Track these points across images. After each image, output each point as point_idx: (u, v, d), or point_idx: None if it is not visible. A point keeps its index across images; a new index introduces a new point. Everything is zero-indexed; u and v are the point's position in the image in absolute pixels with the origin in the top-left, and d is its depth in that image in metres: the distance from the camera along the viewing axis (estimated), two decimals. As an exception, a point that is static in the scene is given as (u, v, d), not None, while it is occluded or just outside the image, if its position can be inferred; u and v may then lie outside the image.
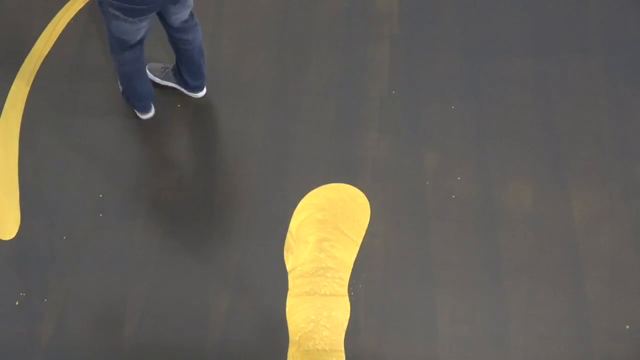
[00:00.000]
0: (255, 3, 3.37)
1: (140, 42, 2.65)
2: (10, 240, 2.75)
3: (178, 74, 2.99)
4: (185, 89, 3.03)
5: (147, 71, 3.03)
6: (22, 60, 3.22)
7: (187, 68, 2.92)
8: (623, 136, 2.96)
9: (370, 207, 2.80)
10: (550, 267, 2.66)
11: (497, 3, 3.37)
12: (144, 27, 2.57)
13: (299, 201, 2.81)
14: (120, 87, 2.98)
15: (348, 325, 2.56)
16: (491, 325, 2.55)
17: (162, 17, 2.66)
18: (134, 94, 2.88)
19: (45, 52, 3.23)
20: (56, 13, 3.36)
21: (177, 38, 2.77)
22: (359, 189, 2.84)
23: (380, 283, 2.63)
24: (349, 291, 2.62)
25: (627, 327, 2.54)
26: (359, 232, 2.74)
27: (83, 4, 3.37)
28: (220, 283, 2.65)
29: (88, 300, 2.62)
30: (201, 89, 3.05)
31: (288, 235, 2.74)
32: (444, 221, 2.77)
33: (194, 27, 2.77)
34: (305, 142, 2.97)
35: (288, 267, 2.67)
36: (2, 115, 3.07)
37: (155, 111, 3.04)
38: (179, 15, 2.63)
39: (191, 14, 2.71)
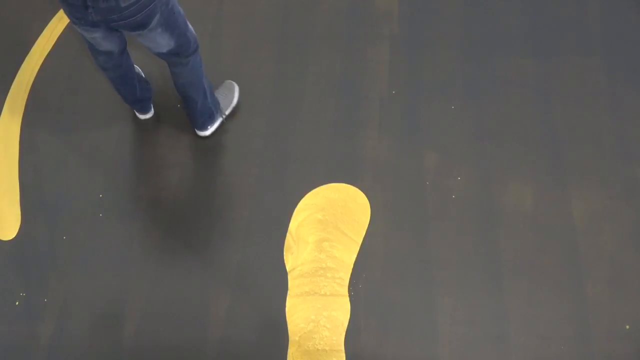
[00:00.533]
0: (256, 3, 3.37)
1: (113, 52, 2.54)
2: (11, 240, 2.76)
3: None
4: None
5: None
6: (22, 60, 3.22)
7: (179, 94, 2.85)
8: (623, 136, 2.96)
9: (370, 207, 2.80)
10: (550, 267, 2.66)
11: (497, 3, 3.37)
12: (100, 38, 2.42)
13: (299, 201, 2.81)
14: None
15: (348, 325, 2.56)
16: (491, 325, 2.55)
17: None
18: (122, 97, 2.87)
19: (46, 52, 3.23)
20: (56, 13, 3.37)
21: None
22: (359, 189, 2.84)
23: (380, 283, 2.63)
24: (349, 291, 2.62)
25: (627, 327, 2.54)
26: (359, 232, 2.74)
27: (83, 4, 3.37)
28: (220, 283, 2.65)
29: (88, 300, 2.62)
30: (197, 127, 2.94)
31: (288, 235, 2.74)
32: (444, 221, 2.77)
33: (179, 64, 2.61)
34: (305, 142, 2.97)
35: (288, 267, 2.67)
36: (2, 116, 3.07)
37: (155, 111, 3.04)
38: (147, 44, 2.46)
39: (180, 55, 2.55)
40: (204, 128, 2.94)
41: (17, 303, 2.62)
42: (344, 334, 2.53)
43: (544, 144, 2.95)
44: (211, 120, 2.93)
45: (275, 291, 2.62)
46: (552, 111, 3.04)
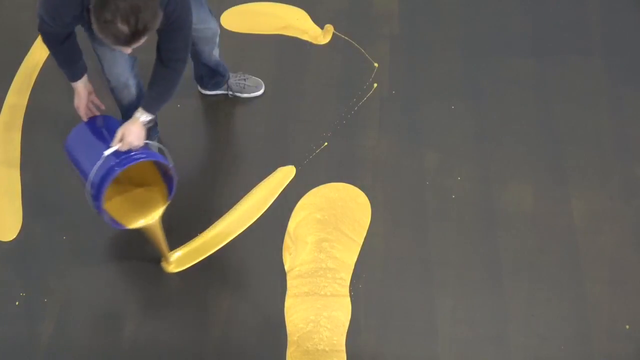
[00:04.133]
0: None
1: None
2: (11, 240, 2.75)
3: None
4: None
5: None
6: (22, 59, 3.21)
7: None
8: (623, 136, 2.96)
9: (370, 207, 2.80)
10: (550, 267, 2.66)
11: (497, 3, 3.37)
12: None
13: (298, 201, 2.81)
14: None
15: (348, 325, 2.55)
16: (491, 325, 2.55)
17: None
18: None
19: (46, 52, 3.22)
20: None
21: None
22: (359, 188, 2.84)
23: (380, 283, 2.63)
24: (349, 291, 2.62)
25: (627, 327, 2.54)
26: (359, 233, 2.73)
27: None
28: (220, 283, 2.65)
29: (88, 300, 2.62)
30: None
31: (286, 235, 2.73)
32: (444, 221, 2.76)
33: None
34: (305, 141, 2.97)
35: (286, 267, 2.67)
36: (2, 115, 3.06)
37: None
38: None
39: None
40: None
41: (17, 303, 2.61)
42: (345, 334, 2.53)
43: (544, 144, 2.95)
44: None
45: (275, 291, 2.62)
46: (552, 111, 3.04)
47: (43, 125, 3.02)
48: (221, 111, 3.06)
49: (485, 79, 3.13)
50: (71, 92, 3.10)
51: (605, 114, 3.02)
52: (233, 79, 3.05)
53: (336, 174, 2.88)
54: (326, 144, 2.96)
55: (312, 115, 3.04)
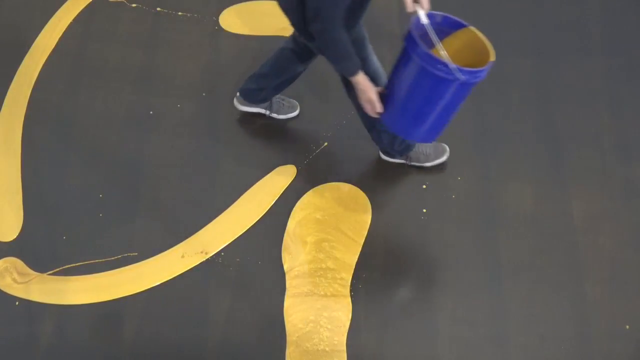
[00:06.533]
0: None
1: None
2: (11, 240, 2.75)
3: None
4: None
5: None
6: (22, 59, 3.21)
7: None
8: (623, 136, 2.96)
9: (370, 207, 2.80)
10: (550, 267, 2.66)
11: (497, 3, 3.36)
12: None
13: (298, 201, 2.81)
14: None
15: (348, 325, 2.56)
16: (491, 325, 2.55)
17: None
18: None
19: (47, 52, 3.22)
20: (57, 10, 3.35)
21: None
22: (359, 189, 2.84)
23: (380, 283, 2.63)
24: (349, 291, 2.62)
25: (627, 327, 2.54)
26: (360, 233, 2.73)
27: (86, 2, 3.37)
28: (220, 283, 2.65)
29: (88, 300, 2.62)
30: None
31: (285, 235, 2.73)
32: (444, 221, 2.77)
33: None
34: (305, 141, 2.97)
35: (285, 267, 2.67)
36: (3, 115, 3.06)
37: (154, 111, 3.03)
38: None
39: None
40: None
41: (17, 303, 2.61)
42: (345, 334, 2.53)
43: (544, 144, 2.95)
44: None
45: (275, 291, 2.62)
46: (552, 111, 3.04)
47: (44, 125, 3.02)
48: (221, 111, 3.06)
49: (486, 79, 3.13)
50: (71, 92, 3.11)
51: (605, 114, 3.03)
52: (274, 98, 2.99)
53: (336, 174, 2.88)
54: (326, 144, 2.96)
55: (312, 115, 3.03)
